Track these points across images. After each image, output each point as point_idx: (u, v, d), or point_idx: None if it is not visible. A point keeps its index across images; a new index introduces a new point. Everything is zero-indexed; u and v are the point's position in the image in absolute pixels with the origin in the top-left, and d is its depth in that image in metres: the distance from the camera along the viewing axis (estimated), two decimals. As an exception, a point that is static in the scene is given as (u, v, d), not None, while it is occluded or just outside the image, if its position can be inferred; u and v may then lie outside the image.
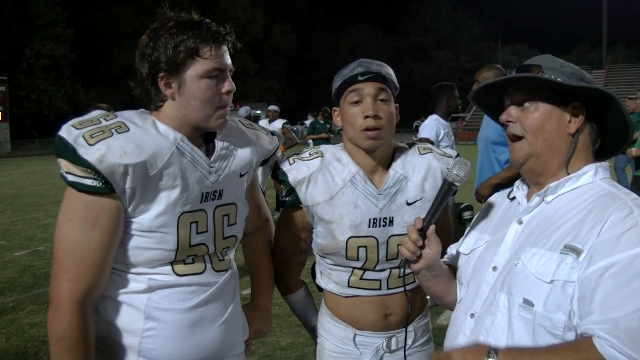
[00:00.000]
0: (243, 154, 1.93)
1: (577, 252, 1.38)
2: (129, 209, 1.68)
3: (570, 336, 1.38)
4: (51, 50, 53.35)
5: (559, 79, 1.51)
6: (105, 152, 1.59)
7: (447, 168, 1.74)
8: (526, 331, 1.43)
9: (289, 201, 2.07)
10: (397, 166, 2.06)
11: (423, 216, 1.74)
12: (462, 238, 1.86)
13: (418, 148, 2.14)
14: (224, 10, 68.32)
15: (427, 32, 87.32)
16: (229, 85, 1.78)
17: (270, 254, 2.26)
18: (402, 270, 1.88)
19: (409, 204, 2.03)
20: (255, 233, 2.24)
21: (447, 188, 1.73)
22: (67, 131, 1.62)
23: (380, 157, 2.03)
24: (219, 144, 1.87)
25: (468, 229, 1.86)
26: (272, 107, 12.10)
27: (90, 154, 1.58)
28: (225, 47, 1.79)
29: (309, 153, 2.10)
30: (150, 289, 1.75)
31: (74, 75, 56.06)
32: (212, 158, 1.83)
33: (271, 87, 72.11)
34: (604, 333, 1.30)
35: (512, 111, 1.59)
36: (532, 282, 1.43)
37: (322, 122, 13.46)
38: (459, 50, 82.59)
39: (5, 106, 47.51)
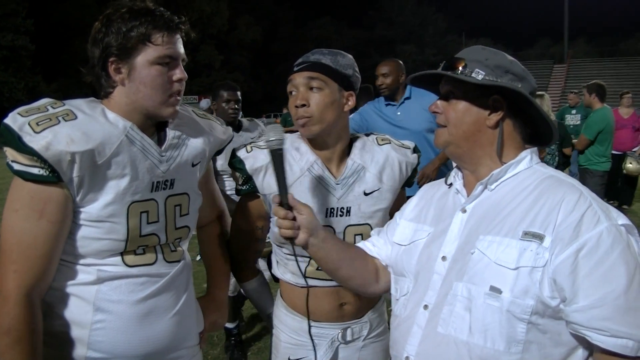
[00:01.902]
0: (195, 144, 1.91)
1: (540, 237, 1.42)
2: (77, 199, 1.65)
3: (537, 320, 1.41)
4: (11, 41, 52.13)
5: (477, 74, 1.55)
6: (51, 139, 1.56)
7: (265, 141, 1.74)
8: (493, 318, 1.43)
9: (245, 189, 2.06)
10: (355, 156, 2.06)
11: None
12: (389, 227, 1.90)
13: (376, 139, 2.15)
14: (189, 1, 67.55)
15: (393, 26, 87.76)
16: (180, 73, 1.76)
17: (226, 245, 2.25)
18: (296, 255, 1.89)
19: (366, 194, 2.03)
20: (211, 225, 2.23)
21: (274, 156, 1.73)
22: (13, 119, 1.59)
23: (333, 144, 2.04)
24: (170, 133, 1.85)
25: (398, 217, 1.88)
26: None
27: (36, 141, 1.55)
28: (178, 36, 1.78)
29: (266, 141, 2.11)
30: (99, 280, 1.72)
31: (35, 67, 54.88)
32: (163, 147, 1.81)
33: (236, 79, 71.24)
34: (594, 324, 1.34)
35: (439, 103, 1.66)
36: (495, 269, 1.45)
37: None
38: (423, 44, 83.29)
39: (-36, 98, 46.42)
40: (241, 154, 2.05)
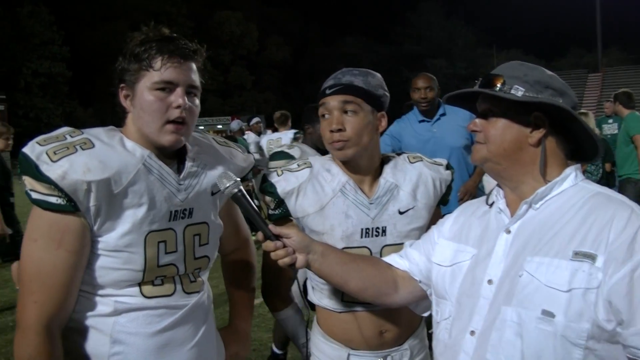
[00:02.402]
0: (215, 172, 1.86)
1: (592, 257, 1.37)
2: (95, 228, 1.63)
3: (593, 345, 1.35)
4: (48, 68, 53.58)
5: (517, 91, 1.52)
6: (67, 168, 1.56)
7: (222, 190, 1.75)
8: (546, 344, 1.38)
9: (277, 214, 2.03)
10: (388, 175, 2.04)
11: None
12: (425, 243, 1.85)
13: (408, 157, 2.12)
14: (219, 23, 68.48)
15: (421, 41, 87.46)
16: (177, 99, 1.69)
17: (250, 275, 2.23)
18: (297, 278, 1.84)
19: (401, 213, 2.00)
20: (234, 253, 2.20)
21: (236, 199, 1.74)
22: (31, 148, 1.59)
23: (366, 166, 2.01)
24: (189, 162, 1.82)
25: (436, 234, 1.84)
26: (256, 119, 11.80)
27: (52, 170, 1.55)
28: (187, 63, 1.74)
29: (297, 164, 2.07)
30: (116, 312, 1.69)
31: (72, 93, 56.20)
32: (181, 175, 1.78)
33: (268, 99, 72.08)
34: None
35: (477, 121, 1.62)
36: (546, 292, 1.40)
37: None
38: (453, 57, 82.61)
39: (4, 125, 47.46)
40: (272, 178, 2.02)
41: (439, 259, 1.76)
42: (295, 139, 8.23)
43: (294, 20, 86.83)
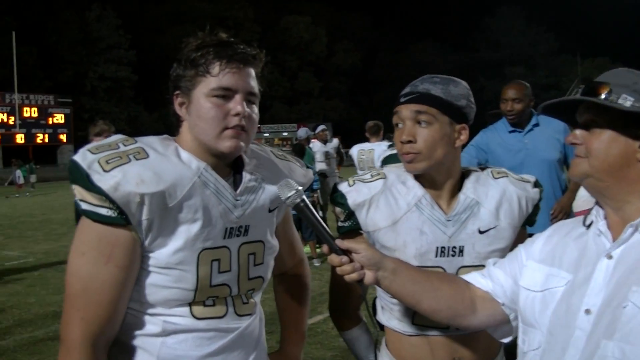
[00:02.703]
0: (273, 188, 1.82)
1: None
2: (146, 243, 1.61)
3: None
4: (114, 72, 55.63)
5: (625, 100, 1.44)
6: (120, 179, 1.53)
7: (284, 200, 1.69)
8: None
9: (347, 226, 1.99)
10: (468, 190, 1.97)
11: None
12: (512, 263, 1.76)
13: (491, 172, 2.05)
14: (286, 29, 69.44)
15: (500, 47, 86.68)
16: (235, 106, 1.67)
17: (304, 297, 2.21)
18: (365, 297, 1.84)
19: (481, 232, 1.93)
20: (288, 273, 2.18)
21: (299, 210, 1.68)
22: (83, 156, 1.57)
23: (443, 181, 1.95)
24: (246, 176, 1.79)
25: (524, 255, 1.73)
26: (321, 127, 11.96)
27: (104, 180, 1.53)
28: (247, 68, 1.72)
29: (371, 174, 2.03)
30: (165, 333, 1.67)
31: (137, 97, 57.99)
32: (238, 190, 1.76)
33: (335, 107, 72.50)
34: None
35: (578, 133, 1.54)
36: None
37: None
38: (534, 65, 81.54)
39: (70, 128, 49.60)
40: (343, 187, 1.99)
41: (527, 282, 1.66)
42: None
43: (364, 25, 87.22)
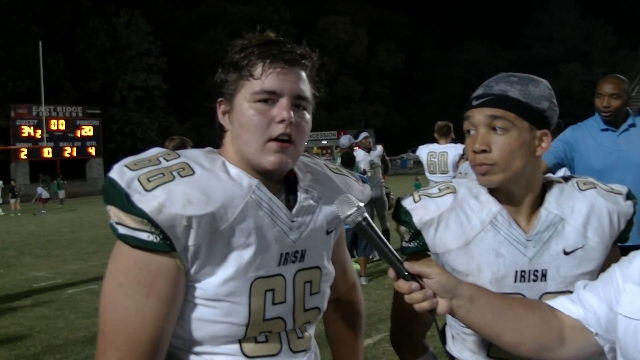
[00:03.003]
0: (331, 206, 1.74)
1: None
2: (192, 271, 1.53)
3: None
4: (144, 81, 56.48)
5: None
6: (165, 200, 1.45)
7: (344, 219, 1.62)
8: None
9: (413, 247, 1.93)
10: (551, 205, 1.88)
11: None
12: (605, 286, 1.63)
13: (577, 182, 1.96)
14: (324, 30, 69.90)
15: (553, 43, 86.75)
16: (280, 112, 1.57)
17: (358, 326, 2.16)
18: (439, 329, 1.71)
19: (567, 254, 1.84)
20: (339, 301, 2.11)
21: (361, 230, 1.60)
22: (120, 172, 1.48)
23: (522, 195, 1.86)
24: (302, 194, 1.71)
25: (621, 277, 1.62)
26: (364, 134, 11.72)
27: (146, 201, 1.44)
28: (295, 70, 1.62)
29: (439, 188, 1.96)
30: None
31: (168, 107, 58.69)
32: (293, 210, 1.67)
33: (377, 111, 72.52)
34: None
35: None
36: None
37: None
38: (591, 61, 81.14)
39: (99, 141, 50.49)
40: (407, 204, 1.92)
41: (627, 309, 1.55)
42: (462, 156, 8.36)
43: (406, 23, 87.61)
